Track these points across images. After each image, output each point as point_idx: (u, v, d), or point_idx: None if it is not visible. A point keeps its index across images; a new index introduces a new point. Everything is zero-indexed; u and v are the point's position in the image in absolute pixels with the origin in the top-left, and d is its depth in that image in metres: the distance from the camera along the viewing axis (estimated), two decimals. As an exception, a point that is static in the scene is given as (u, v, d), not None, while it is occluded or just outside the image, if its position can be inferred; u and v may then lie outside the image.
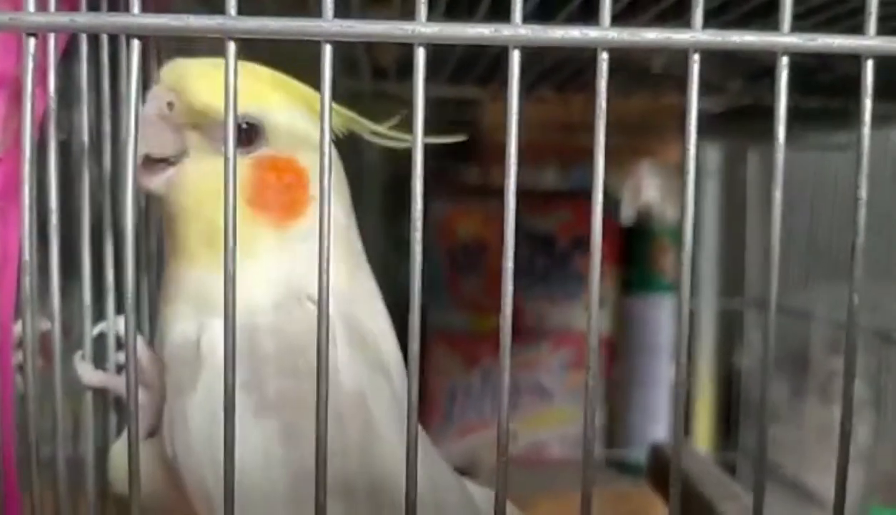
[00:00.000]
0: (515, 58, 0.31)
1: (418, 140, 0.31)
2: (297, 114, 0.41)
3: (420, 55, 0.31)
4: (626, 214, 1.22)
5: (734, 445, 1.15)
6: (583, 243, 1.20)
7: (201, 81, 0.39)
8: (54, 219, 0.36)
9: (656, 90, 0.82)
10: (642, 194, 1.25)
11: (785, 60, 0.31)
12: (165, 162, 0.41)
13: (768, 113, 0.83)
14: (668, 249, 1.22)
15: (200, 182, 0.40)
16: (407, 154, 0.45)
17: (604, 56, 0.31)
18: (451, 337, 1.16)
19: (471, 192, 1.19)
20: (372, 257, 0.48)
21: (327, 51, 0.31)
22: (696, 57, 0.31)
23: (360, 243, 0.46)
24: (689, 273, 0.32)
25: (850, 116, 0.75)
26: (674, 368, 1.21)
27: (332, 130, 0.40)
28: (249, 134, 0.39)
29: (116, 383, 0.47)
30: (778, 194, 0.31)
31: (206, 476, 0.38)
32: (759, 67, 0.69)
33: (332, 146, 0.42)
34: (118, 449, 0.46)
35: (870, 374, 0.85)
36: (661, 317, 1.21)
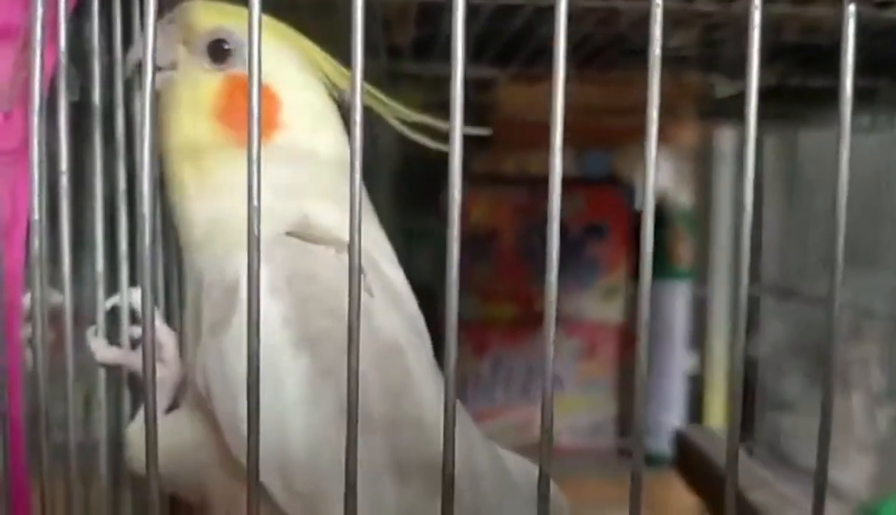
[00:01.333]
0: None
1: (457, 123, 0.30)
2: (284, 51, 0.42)
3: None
4: (640, 200, 1.20)
5: (748, 433, 1.14)
6: (595, 230, 1.19)
7: (201, 5, 0.42)
8: (64, 181, 0.35)
9: (672, 72, 0.81)
10: (656, 180, 1.23)
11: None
12: (160, 69, 0.42)
13: (787, 95, 0.82)
14: (682, 235, 1.21)
15: (182, 92, 0.42)
16: (419, 147, 0.45)
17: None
18: (461, 325, 1.15)
19: (481, 178, 1.18)
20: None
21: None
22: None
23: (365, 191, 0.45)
24: (747, 260, 0.31)
25: (876, 97, 0.74)
26: (690, 355, 1.19)
27: (341, 96, 0.42)
28: (222, 50, 0.41)
29: (132, 359, 0.46)
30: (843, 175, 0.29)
31: (240, 411, 0.36)
32: (779, 48, 0.68)
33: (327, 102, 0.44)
34: (136, 428, 0.45)
35: (889, 363, 0.83)
36: (676, 304, 1.19)
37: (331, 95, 0.44)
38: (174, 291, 0.51)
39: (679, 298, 1.19)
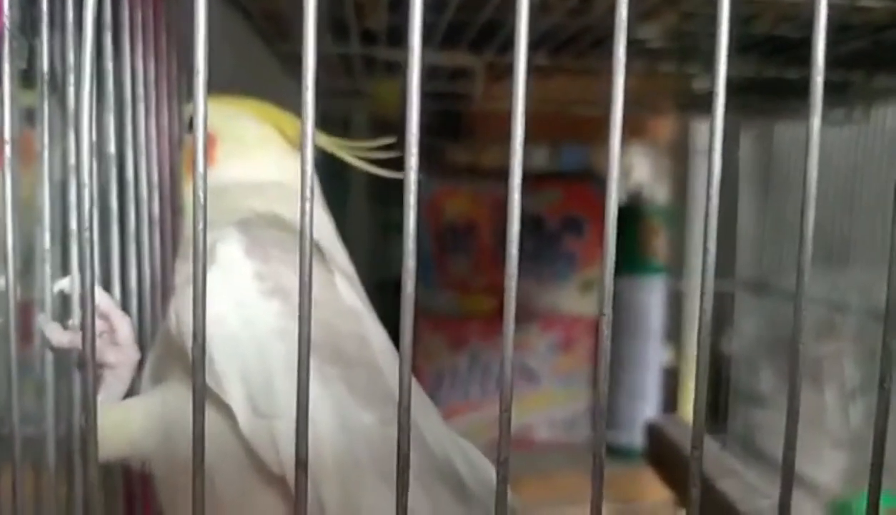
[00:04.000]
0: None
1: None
2: (231, 114, 0.52)
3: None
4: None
5: (722, 428, 1.15)
6: (572, 224, 1.19)
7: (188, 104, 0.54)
8: (7, 151, 0.35)
9: (650, 64, 0.80)
10: (633, 175, 1.24)
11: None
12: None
13: (763, 88, 0.82)
14: (658, 230, 1.21)
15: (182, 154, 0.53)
16: (394, 133, 0.49)
17: None
18: (437, 319, 1.15)
19: (459, 171, 1.17)
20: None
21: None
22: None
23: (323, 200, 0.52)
24: (713, 254, 0.31)
25: (848, 91, 0.74)
26: (665, 349, 1.19)
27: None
28: (190, 123, 0.51)
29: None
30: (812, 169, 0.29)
31: (210, 348, 0.42)
32: (753, 41, 0.68)
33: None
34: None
35: (863, 358, 0.84)
36: (651, 298, 1.20)
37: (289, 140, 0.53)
38: (130, 279, 0.53)
39: (655, 292, 1.19)
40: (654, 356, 1.20)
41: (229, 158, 0.52)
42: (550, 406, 1.19)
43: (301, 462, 0.31)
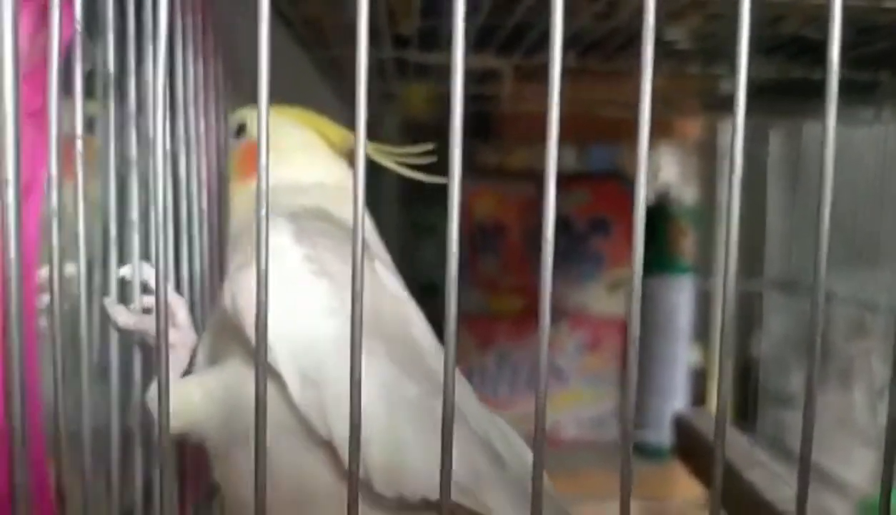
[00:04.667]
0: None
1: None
2: (280, 120, 0.55)
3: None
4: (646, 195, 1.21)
5: (751, 428, 1.14)
6: (600, 224, 1.19)
7: (238, 110, 0.57)
8: (80, 145, 0.37)
9: (678, 66, 0.81)
10: (660, 175, 1.24)
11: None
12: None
13: (791, 89, 0.82)
14: (686, 229, 1.21)
15: (229, 160, 0.58)
16: (425, 136, 0.53)
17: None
18: (467, 318, 1.16)
19: (488, 172, 1.18)
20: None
21: None
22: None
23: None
24: (735, 253, 0.31)
25: (876, 91, 0.74)
26: (693, 348, 1.19)
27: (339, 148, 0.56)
28: (240, 131, 0.57)
29: (149, 324, 0.49)
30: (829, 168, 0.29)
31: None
32: (779, 42, 0.68)
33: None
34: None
35: (892, 357, 0.83)
36: (679, 298, 1.20)
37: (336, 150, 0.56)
38: (183, 269, 0.54)
39: (683, 292, 1.19)
40: (682, 355, 1.20)
41: (274, 164, 0.53)
42: (578, 405, 1.19)
43: (355, 428, 0.32)
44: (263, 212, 0.34)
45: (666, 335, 1.19)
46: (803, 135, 1.01)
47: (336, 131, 0.56)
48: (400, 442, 0.44)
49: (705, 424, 0.99)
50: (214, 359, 0.49)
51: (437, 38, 0.67)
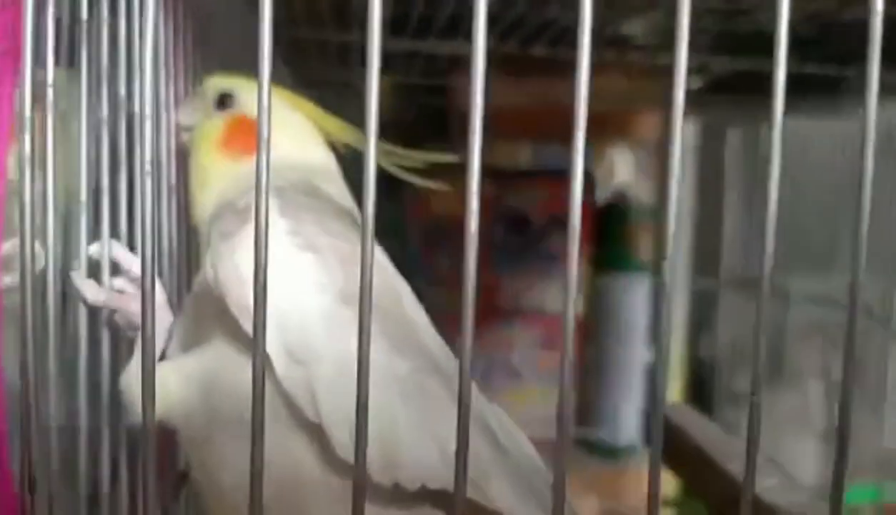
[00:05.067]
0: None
1: None
2: (276, 99, 0.50)
3: None
4: (601, 193, 1.21)
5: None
6: (558, 222, 1.19)
7: (214, 77, 0.55)
8: (51, 94, 0.35)
9: (633, 63, 0.80)
10: (616, 174, 1.24)
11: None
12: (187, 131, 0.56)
13: (750, 87, 0.82)
14: (642, 228, 1.21)
15: (199, 137, 0.54)
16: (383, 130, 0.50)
17: None
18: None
19: (445, 168, 1.17)
20: None
21: None
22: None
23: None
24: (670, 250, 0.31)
25: (843, 86, 0.74)
26: (650, 349, 1.19)
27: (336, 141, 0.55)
28: (223, 101, 0.54)
29: (123, 301, 0.49)
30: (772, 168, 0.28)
31: (249, 293, 0.41)
32: (745, 42, 0.68)
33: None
34: (132, 375, 0.47)
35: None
36: (635, 297, 1.20)
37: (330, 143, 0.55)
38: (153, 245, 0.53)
39: (639, 291, 1.19)
40: (638, 354, 1.20)
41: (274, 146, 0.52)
42: (534, 404, 1.18)
43: (362, 407, 0.31)
44: (263, 191, 0.33)
45: (623, 333, 1.19)
46: (761, 133, 1.01)
47: (328, 120, 0.55)
48: (394, 425, 0.42)
49: (683, 418, 0.98)
50: (192, 342, 0.48)
51: (405, 26, 0.66)
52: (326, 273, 0.44)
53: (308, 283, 0.44)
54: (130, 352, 0.48)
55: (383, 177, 0.52)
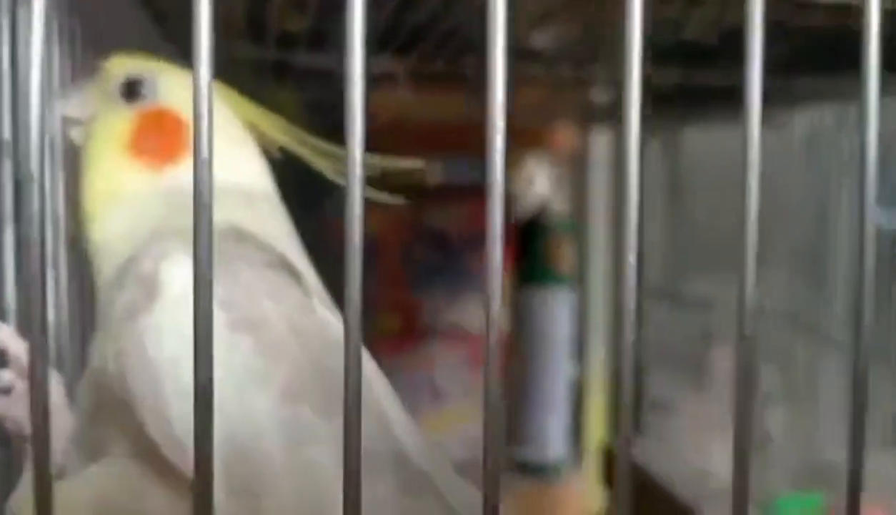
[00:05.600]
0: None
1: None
2: (185, 81, 0.40)
3: None
4: (520, 207, 1.20)
5: (636, 435, 1.14)
6: (476, 239, 1.17)
7: (115, 58, 0.44)
8: None
9: (546, 73, 0.79)
10: (534, 188, 1.23)
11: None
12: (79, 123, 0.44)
13: (670, 96, 0.82)
14: (563, 241, 1.21)
15: (97, 134, 0.43)
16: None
17: None
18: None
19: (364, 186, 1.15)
20: None
21: None
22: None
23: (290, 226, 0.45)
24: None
25: (789, 94, 0.73)
26: (574, 361, 1.18)
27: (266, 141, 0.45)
28: (133, 89, 0.43)
29: (10, 405, 0.39)
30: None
31: (165, 393, 0.35)
32: (665, 51, 0.67)
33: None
34: (22, 498, 0.37)
35: (781, 363, 0.83)
36: (558, 311, 1.19)
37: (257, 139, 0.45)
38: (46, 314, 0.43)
39: (562, 305, 1.19)
40: (562, 369, 1.19)
41: (187, 153, 0.40)
42: (460, 425, 1.17)
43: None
44: (206, 217, 0.28)
45: (546, 348, 1.18)
46: (681, 142, 1.01)
47: (265, 118, 0.45)
48: None
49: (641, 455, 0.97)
50: (92, 450, 0.38)
51: (326, 40, 0.63)
52: (270, 359, 0.36)
53: (248, 376, 0.35)
54: (19, 466, 0.39)
55: (303, 188, 0.47)
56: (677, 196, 1.02)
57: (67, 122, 0.44)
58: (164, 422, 0.34)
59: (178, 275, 0.36)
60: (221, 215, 0.37)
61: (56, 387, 0.40)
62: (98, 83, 0.44)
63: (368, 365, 0.39)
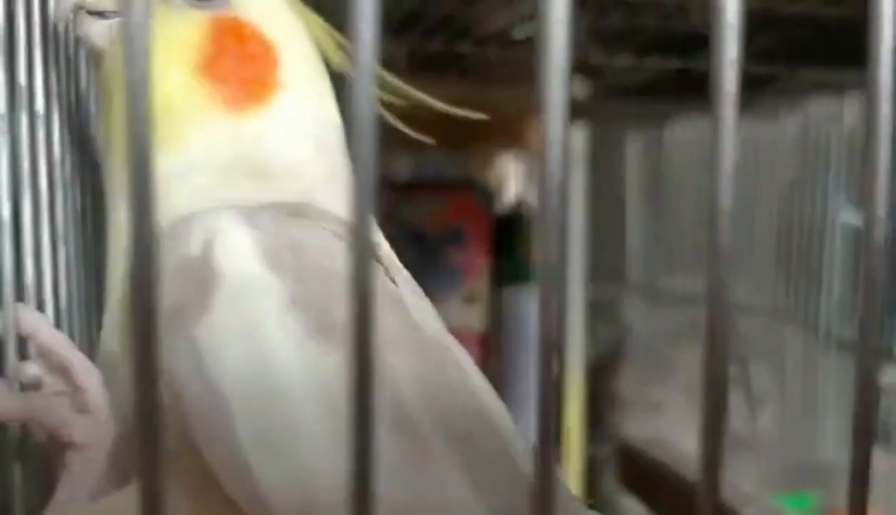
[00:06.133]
0: None
1: None
2: (279, 6, 0.34)
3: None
4: (497, 204, 1.19)
5: (603, 437, 1.13)
6: (455, 235, 1.16)
7: None
8: None
9: (517, 68, 0.78)
10: (510, 184, 1.22)
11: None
12: (102, 17, 0.34)
13: (656, 90, 0.81)
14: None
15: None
16: None
17: None
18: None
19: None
20: None
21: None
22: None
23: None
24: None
25: (773, 86, 0.73)
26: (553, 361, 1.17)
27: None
28: None
29: (43, 408, 0.32)
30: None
31: (234, 411, 0.27)
32: (644, 43, 0.67)
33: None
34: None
35: (772, 362, 0.83)
36: (535, 308, 1.18)
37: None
38: (60, 296, 0.35)
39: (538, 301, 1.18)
40: (541, 365, 1.18)
41: (295, 87, 0.33)
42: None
43: None
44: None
45: (525, 344, 1.17)
46: (664, 139, 1.00)
47: (330, 35, 0.36)
48: None
49: (658, 452, 0.96)
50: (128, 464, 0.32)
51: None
52: (335, 369, 0.28)
53: (318, 390, 0.28)
54: (51, 478, 0.33)
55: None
56: (660, 193, 1.02)
57: (82, 13, 0.33)
58: (242, 473, 0.27)
59: (238, 259, 0.29)
60: (296, 184, 0.33)
61: (95, 381, 0.33)
62: None
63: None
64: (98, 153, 0.37)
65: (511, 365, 1.16)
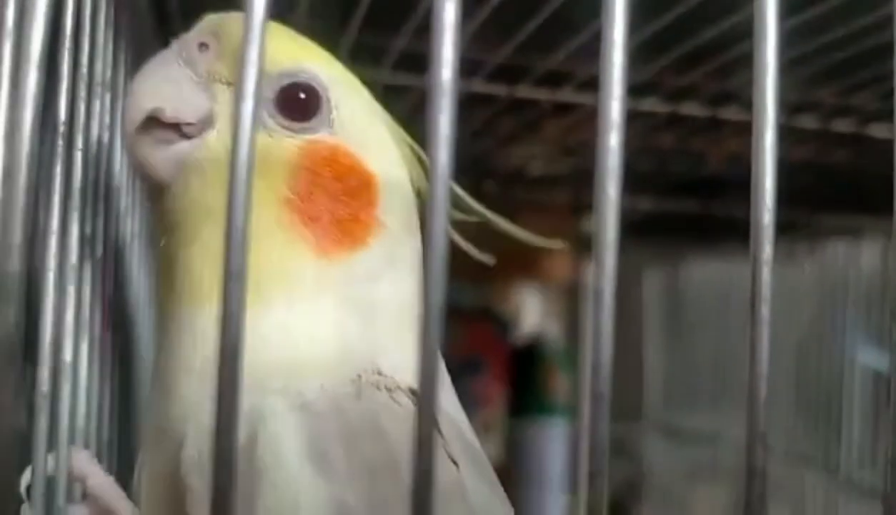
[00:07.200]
0: None
1: None
2: (375, 111, 0.29)
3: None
4: (515, 335, 1.19)
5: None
6: (472, 364, 1.16)
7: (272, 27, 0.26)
8: None
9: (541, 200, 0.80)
10: (526, 315, 1.22)
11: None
12: (179, 131, 0.28)
13: (673, 229, 0.82)
14: (557, 371, 1.19)
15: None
16: None
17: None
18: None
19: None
20: None
21: None
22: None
23: None
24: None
25: (792, 231, 0.73)
26: (567, 495, 1.14)
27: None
28: (306, 103, 0.27)
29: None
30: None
31: None
32: (668, 181, 0.68)
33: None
34: None
35: (796, 503, 0.81)
36: (553, 442, 1.17)
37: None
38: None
39: (556, 435, 1.16)
40: (557, 501, 1.16)
41: (392, 228, 0.29)
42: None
43: None
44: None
45: (540, 478, 1.15)
46: (681, 275, 1.01)
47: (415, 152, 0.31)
48: None
49: None
50: None
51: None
52: None
53: None
54: None
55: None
56: (678, 329, 1.01)
57: (147, 136, 0.28)
58: None
59: (282, 453, 0.25)
60: (369, 345, 0.28)
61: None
62: (224, 59, 0.28)
63: None
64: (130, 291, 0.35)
65: (527, 498, 1.14)
